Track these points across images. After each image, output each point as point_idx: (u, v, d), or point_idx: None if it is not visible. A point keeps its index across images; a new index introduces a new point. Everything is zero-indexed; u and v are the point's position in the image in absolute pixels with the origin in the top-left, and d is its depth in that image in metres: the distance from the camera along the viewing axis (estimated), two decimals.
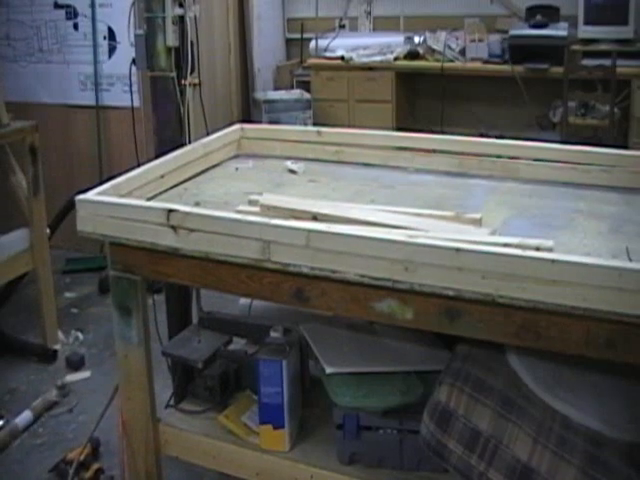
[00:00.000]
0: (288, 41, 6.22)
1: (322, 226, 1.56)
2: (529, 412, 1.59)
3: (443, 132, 3.01)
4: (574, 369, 1.69)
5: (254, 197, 1.84)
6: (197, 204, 1.88)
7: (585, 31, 5.10)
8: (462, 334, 1.49)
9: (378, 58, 5.33)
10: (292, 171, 2.17)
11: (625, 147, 4.65)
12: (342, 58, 5.39)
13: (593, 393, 1.66)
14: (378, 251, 1.45)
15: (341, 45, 5.55)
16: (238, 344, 2.29)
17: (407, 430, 1.83)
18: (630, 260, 1.48)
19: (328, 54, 5.52)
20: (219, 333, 2.27)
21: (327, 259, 1.51)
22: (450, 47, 5.29)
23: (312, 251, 1.52)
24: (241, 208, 1.79)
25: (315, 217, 1.69)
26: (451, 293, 1.41)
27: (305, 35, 6.00)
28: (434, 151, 2.15)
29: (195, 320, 2.40)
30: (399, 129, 4.69)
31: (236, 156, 2.35)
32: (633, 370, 1.63)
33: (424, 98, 5.76)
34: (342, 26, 5.95)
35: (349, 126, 2.99)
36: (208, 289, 1.82)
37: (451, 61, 5.23)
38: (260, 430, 1.97)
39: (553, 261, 1.35)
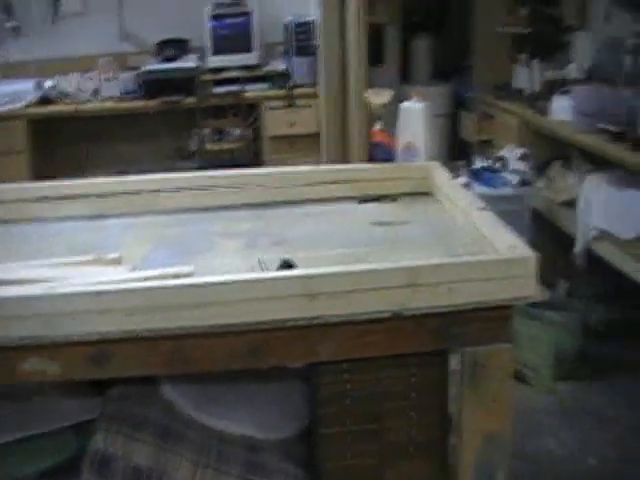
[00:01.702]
0: None
1: None
2: (188, 437, 1.63)
3: (84, 176, 2.98)
4: (227, 385, 1.76)
5: None
6: None
7: (214, 60, 5.45)
8: (113, 376, 1.48)
9: (7, 107, 5.10)
10: None
11: (260, 165, 5.02)
12: None
13: (246, 402, 1.74)
14: (14, 310, 1.39)
15: None
16: None
17: None
18: (262, 270, 1.60)
19: None
20: None
21: None
22: (82, 89, 5.25)
23: None
24: None
25: None
26: (96, 337, 1.40)
27: None
28: (73, 196, 2.12)
29: None
30: (37, 179, 4.53)
31: None
32: (279, 371, 1.76)
33: (62, 144, 5.59)
34: None
35: None
36: None
37: (85, 103, 5.19)
38: None
39: (191, 285, 1.41)
